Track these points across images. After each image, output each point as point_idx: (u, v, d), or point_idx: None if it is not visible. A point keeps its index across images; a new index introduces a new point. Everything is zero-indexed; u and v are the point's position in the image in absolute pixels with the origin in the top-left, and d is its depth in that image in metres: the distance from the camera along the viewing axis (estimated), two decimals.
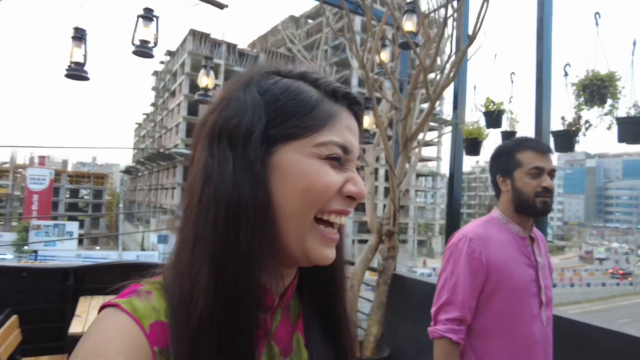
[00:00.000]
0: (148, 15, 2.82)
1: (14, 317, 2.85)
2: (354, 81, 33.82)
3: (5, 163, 58.67)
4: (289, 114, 0.51)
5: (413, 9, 3.09)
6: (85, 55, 2.77)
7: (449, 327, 1.57)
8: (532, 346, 1.59)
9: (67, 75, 2.76)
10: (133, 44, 2.81)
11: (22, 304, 3.06)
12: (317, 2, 3.83)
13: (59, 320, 3.26)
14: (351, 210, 0.55)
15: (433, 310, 1.64)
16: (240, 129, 0.50)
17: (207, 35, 41.05)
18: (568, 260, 61.77)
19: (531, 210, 1.61)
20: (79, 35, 2.76)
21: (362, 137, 0.56)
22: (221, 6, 3.03)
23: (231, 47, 42.81)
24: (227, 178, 0.48)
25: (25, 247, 32.38)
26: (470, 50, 3.18)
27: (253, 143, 0.49)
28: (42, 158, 53.71)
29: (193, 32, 40.97)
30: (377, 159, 8.73)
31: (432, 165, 59.85)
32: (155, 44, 2.86)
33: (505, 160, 1.66)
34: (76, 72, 2.73)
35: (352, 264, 4.12)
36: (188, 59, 40.78)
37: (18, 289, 3.18)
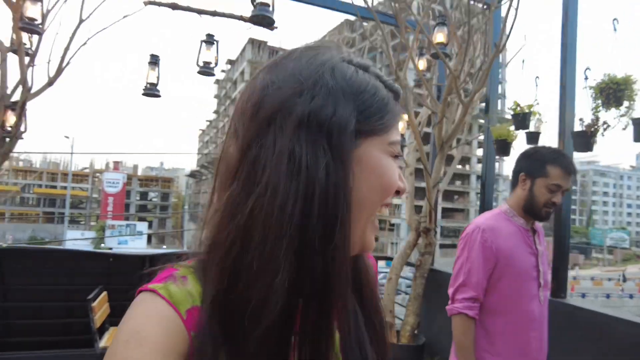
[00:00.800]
0: (210, 40, 3.34)
1: (104, 293, 3.47)
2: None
3: (86, 168, 64.46)
4: (373, 109, 0.52)
5: (443, 21, 3.35)
6: (158, 77, 3.34)
7: (465, 304, 1.81)
8: (531, 322, 1.83)
9: (143, 94, 3.35)
10: (197, 64, 3.34)
11: (109, 283, 3.68)
12: (363, 11, 4.18)
13: None
14: None
15: (451, 290, 1.88)
16: (336, 120, 0.48)
17: (264, 43, 42.63)
18: None
19: (535, 215, 1.85)
20: (154, 61, 3.35)
21: None
22: (272, 28, 3.47)
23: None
24: (321, 171, 0.46)
25: (102, 245, 35.38)
26: (508, 57, 3.36)
27: (348, 136, 0.49)
28: (116, 163, 58.21)
29: (252, 41, 42.75)
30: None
31: None
32: (216, 64, 3.37)
33: (535, 165, 1.83)
34: (151, 91, 3.31)
35: (391, 259, 4.42)
36: (247, 67, 42.58)
37: (106, 271, 3.82)
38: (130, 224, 41.56)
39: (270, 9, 2.48)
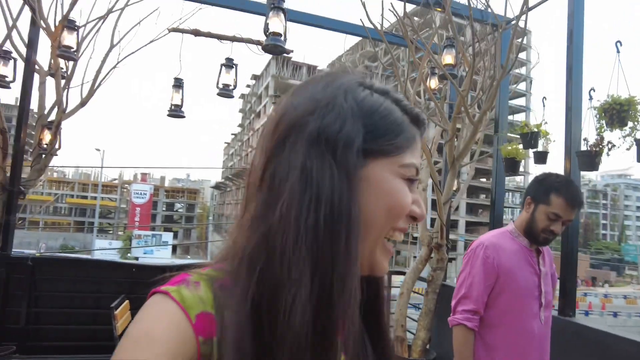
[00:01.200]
0: (229, 64, 3.56)
1: (127, 302, 3.67)
2: None
3: (115, 179, 66.56)
4: (383, 131, 0.53)
5: (452, 43, 3.47)
6: (182, 100, 3.58)
7: (465, 316, 1.91)
8: (530, 339, 1.90)
9: (168, 115, 3.59)
10: (217, 87, 3.56)
11: (132, 292, 3.88)
12: (374, 32, 4.34)
13: None
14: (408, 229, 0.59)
15: (453, 302, 1.98)
16: (342, 136, 0.50)
17: (289, 59, 43.38)
18: None
19: (534, 239, 1.92)
20: (178, 84, 3.59)
21: None
22: (287, 52, 3.66)
23: (312, 68, 44.85)
24: (327, 183, 0.48)
25: (129, 254, 36.24)
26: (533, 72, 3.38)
27: (353, 153, 0.50)
28: (144, 175, 59.78)
29: (276, 57, 43.61)
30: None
31: (519, 180, 56.33)
32: (235, 86, 3.58)
33: (541, 191, 1.90)
34: (175, 112, 3.54)
35: (404, 274, 4.48)
36: (271, 81, 43.42)
37: (129, 280, 4.03)
38: (156, 234, 42.39)
39: (282, 38, 2.66)
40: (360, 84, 0.56)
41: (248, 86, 56.00)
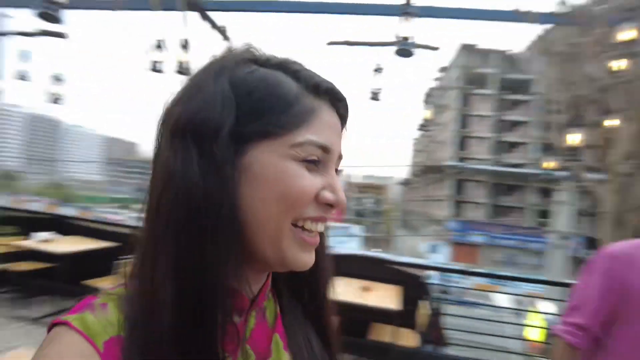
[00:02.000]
0: (378, 69, 3.54)
1: None
2: None
3: None
4: (264, 109, 0.46)
5: (631, 16, 2.89)
6: None
7: (567, 329, 1.65)
8: None
9: None
10: (371, 92, 3.63)
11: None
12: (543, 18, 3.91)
13: None
14: (329, 217, 0.51)
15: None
16: (207, 124, 0.44)
17: (474, 46, 40.92)
18: None
19: None
20: None
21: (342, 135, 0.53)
22: (434, 49, 3.67)
23: (501, 54, 41.30)
24: (191, 180, 0.43)
25: None
26: None
27: (220, 141, 0.44)
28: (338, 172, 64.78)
29: (464, 46, 41.64)
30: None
31: None
32: (381, 90, 3.66)
33: None
34: None
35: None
36: (458, 72, 41.66)
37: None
38: (347, 226, 45.18)
39: (410, 41, 2.72)
40: (248, 61, 0.49)
41: (437, 79, 54.89)
